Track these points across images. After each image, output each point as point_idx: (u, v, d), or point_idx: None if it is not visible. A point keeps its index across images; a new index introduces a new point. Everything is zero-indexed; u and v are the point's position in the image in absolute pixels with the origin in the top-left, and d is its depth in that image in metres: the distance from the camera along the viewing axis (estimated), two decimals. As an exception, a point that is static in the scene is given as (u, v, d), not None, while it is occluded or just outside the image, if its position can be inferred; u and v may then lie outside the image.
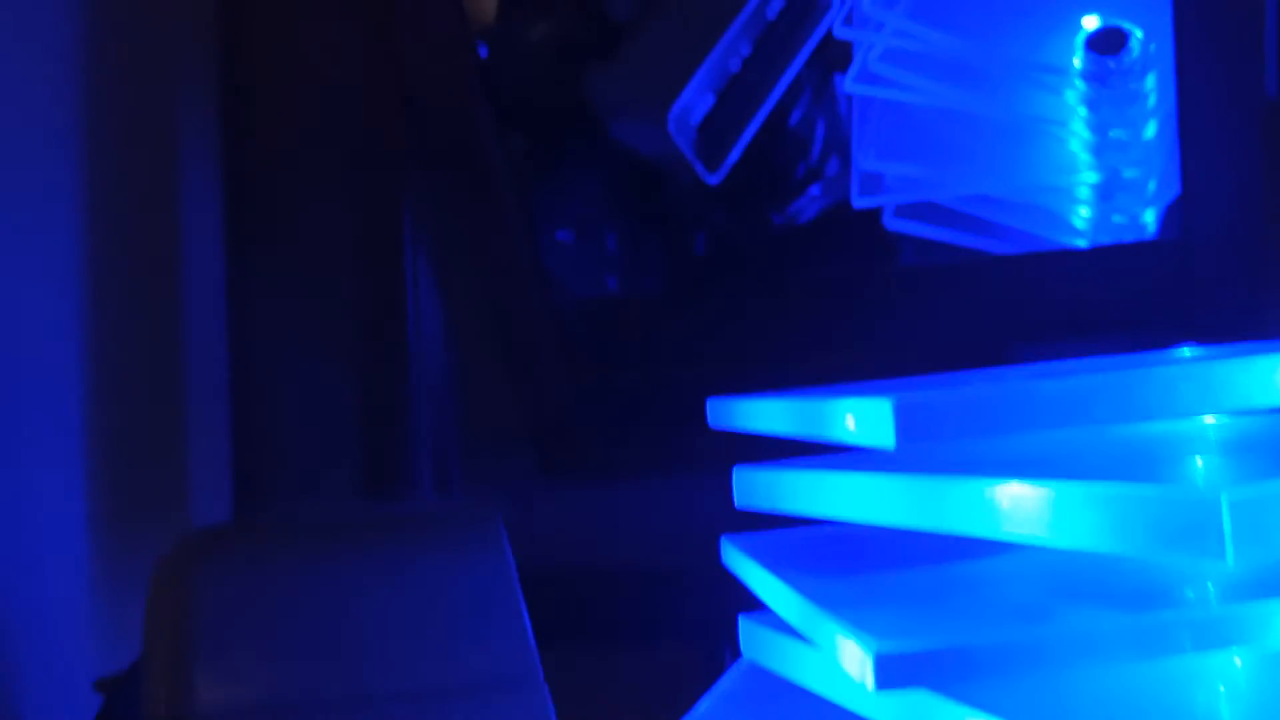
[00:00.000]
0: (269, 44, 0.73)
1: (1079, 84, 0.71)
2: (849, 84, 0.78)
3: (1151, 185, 0.75)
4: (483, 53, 0.87)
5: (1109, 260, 0.71)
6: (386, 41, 0.70)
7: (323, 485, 0.66)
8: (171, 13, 0.74)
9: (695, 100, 0.78)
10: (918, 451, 0.37)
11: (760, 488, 0.45)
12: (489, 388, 0.73)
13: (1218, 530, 0.26)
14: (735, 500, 0.48)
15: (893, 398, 0.32)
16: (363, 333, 0.68)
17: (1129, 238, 0.75)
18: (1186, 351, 0.49)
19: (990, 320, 0.75)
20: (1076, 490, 0.30)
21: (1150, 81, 0.70)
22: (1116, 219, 0.76)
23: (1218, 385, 0.32)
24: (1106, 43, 0.70)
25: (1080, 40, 0.71)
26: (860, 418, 0.33)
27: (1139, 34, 0.69)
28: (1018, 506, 0.31)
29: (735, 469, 0.49)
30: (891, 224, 0.80)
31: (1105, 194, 0.75)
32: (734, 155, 0.80)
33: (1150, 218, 0.76)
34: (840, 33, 0.77)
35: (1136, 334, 0.72)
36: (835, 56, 0.83)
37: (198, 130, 0.73)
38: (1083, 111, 0.72)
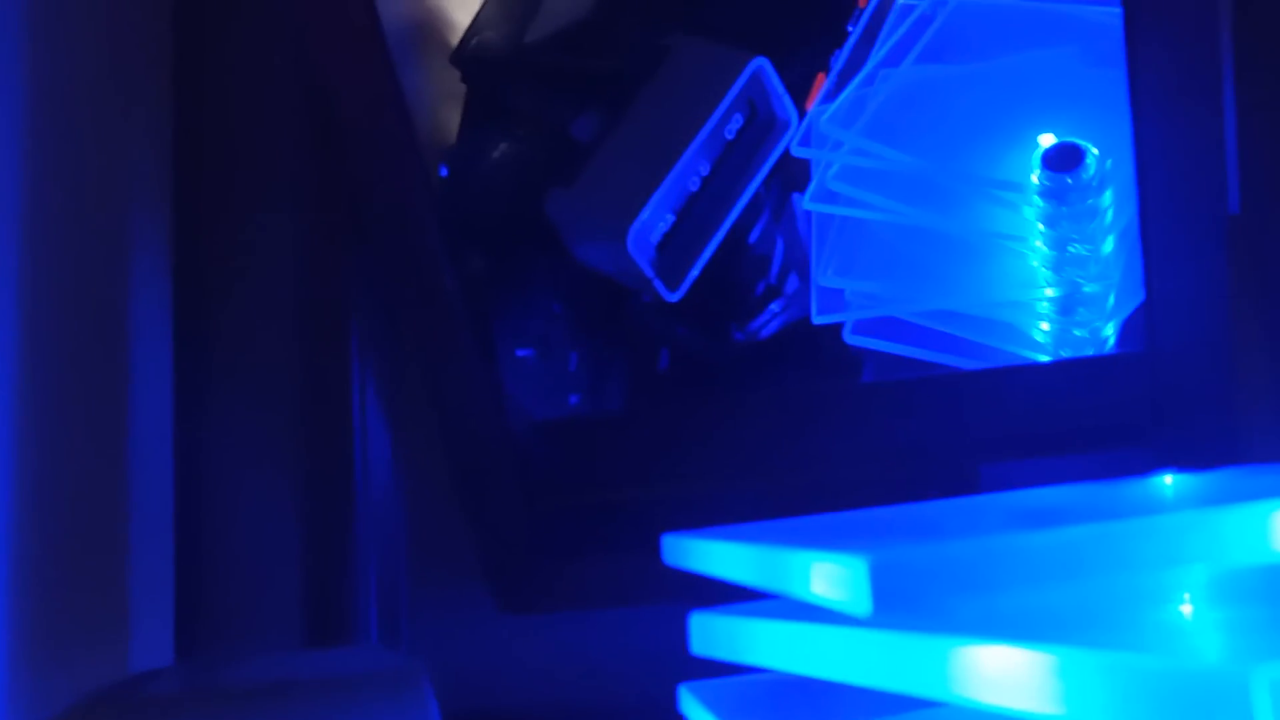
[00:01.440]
0: (223, 175, 0.70)
1: (1037, 200, 0.69)
2: (807, 202, 0.75)
3: (1111, 299, 0.72)
4: (443, 171, 0.84)
5: (1074, 374, 0.69)
6: (336, 163, 0.67)
7: (266, 622, 0.61)
8: (123, 129, 0.71)
9: (654, 219, 0.76)
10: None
11: (719, 636, 0.41)
12: (440, 519, 0.69)
13: (1245, 711, 0.23)
14: (692, 647, 0.44)
15: (867, 556, 0.28)
16: (308, 463, 0.64)
17: (1090, 351, 0.73)
18: (1167, 478, 0.46)
19: (955, 436, 0.72)
20: (1085, 659, 0.26)
21: (1107, 197, 0.68)
22: (1078, 333, 0.74)
23: (1225, 536, 0.29)
24: (1063, 159, 0.68)
25: (1037, 157, 0.69)
26: (831, 577, 0.30)
27: (1094, 151, 0.67)
28: (1015, 674, 0.27)
29: (692, 614, 0.45)
30: (851, 339, 0.77)
31: (1066, 308, 0.73)
32: (694, 273, 0.77)
33: (1110, 331, 0.73)
34: (798, 151, 0.75)
35: (1104, 448, 0.69)
36: (794, 174, 0.81)
37: (149, 258, 0.70)
38: (1041, 227, 0.70)
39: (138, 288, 0.68)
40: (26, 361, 0.60)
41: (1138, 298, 0.72)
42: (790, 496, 0.73)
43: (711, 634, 0.41)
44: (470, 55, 0.87)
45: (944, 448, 0.72)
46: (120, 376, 0.67)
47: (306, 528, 0.63)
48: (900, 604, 0.28)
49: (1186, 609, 0.32)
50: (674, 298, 0.77)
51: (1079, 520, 0.32)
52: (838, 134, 0.73)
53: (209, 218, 0.68)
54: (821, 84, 0.80)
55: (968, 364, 0.73)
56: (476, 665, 0.57)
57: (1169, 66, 0.55)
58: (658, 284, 0.76)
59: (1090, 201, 0.68)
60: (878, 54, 0.75)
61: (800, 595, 0.32)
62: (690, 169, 0.77)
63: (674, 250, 0.77)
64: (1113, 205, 0.69)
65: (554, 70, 0.85)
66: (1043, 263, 0.71)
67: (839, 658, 0.33)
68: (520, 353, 0.82)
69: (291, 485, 0.62)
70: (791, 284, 0.82)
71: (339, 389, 0.65)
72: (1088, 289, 0.71)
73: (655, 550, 0.70)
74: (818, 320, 0.75)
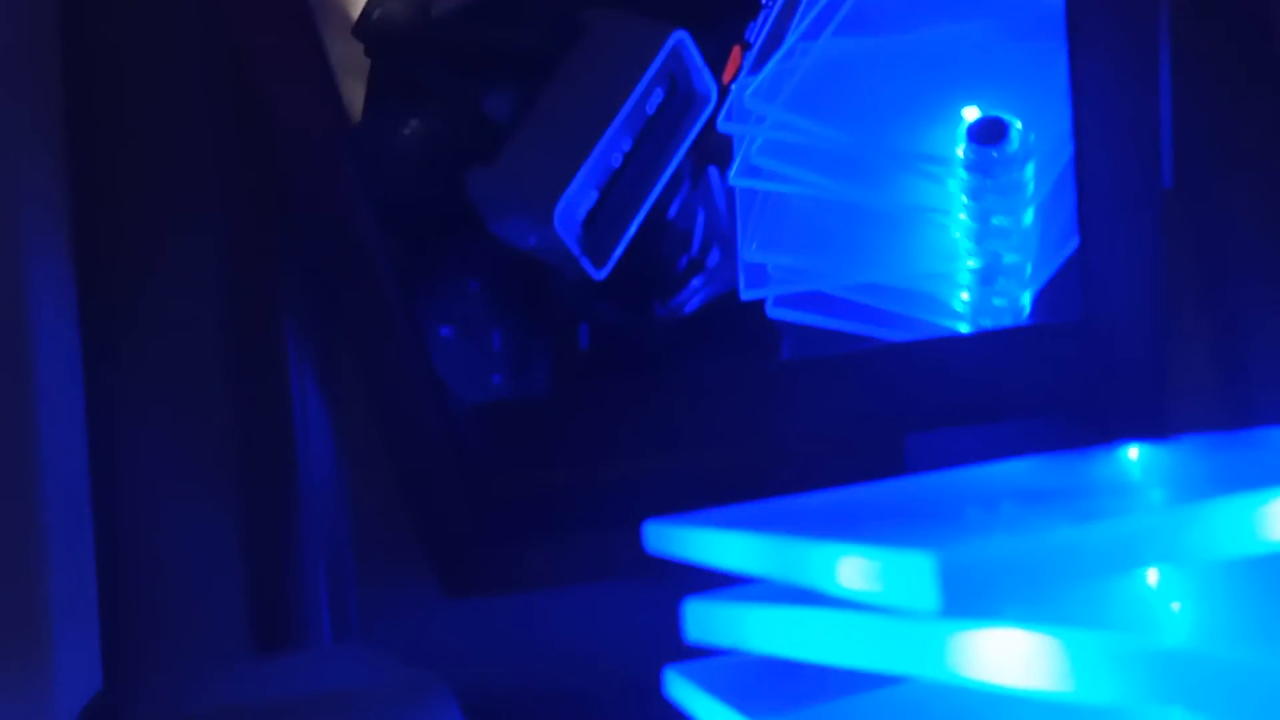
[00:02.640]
0: (128, 141, 0.65)
1: (962, 174, 0.69)
2: (732, 177, 0.74)
3: (1029, 269, 0.73)
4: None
5: (1002, 344, 0.69)
6: (257, 136, 0.64)
7: (207, 627, 0.58)
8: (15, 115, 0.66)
9: (579, 197, 0.74)
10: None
11: (720, 624, 0.40)
12: (382, 510, 0.66)
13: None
14: (687, 634, 0.43)
15: (934, 553, 0.27)
16: (245, 460, 0.61)
17: (1009, 320, 0.73)
18: (1132, 450, 0.46)
19: (882, 408, 0.72)
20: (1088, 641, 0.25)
21: (1030, 170, 0.68)
22: (997, 302, 0.74)
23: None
24: (988, 133, 0.68)
25: (962, 131, 0.68)
26: (888, 574, 0.29)
27: (1018, 124, 0.67)
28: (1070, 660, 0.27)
29: (687, 601, 0.43)
30: (773, 313, 0.77)
31: (986, 278, 0.73)
32: (619, 250, 0.75)
33: (1027, 299, 0.74)
34: (723, 127, 0.73)
35: (1031, 416, 0.70)
36: (713, 147, 0.80)
37: (47, 232, 0.65)
38: (965, 200, 0.70)
39: (37, 285, 0.64)
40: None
41: (1052, 267, 0.73)
42: (725, 472, 0.72)
43: (711, 621, 0.40)
44: (374, 28, 0.83)
45: (872, 420, 0.72)
46: (26, 380, 0.62)
47: (246, 525, 0.60)
48: (966, 601, 0.27)
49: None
50: (601, 275, 0.75)
51: (1099, 503, 0.32)
52: (761, 108, 0.72)
53: (111, 209, 0.64)
54: (737, 57, 0.79)
55: (891, 336, 0.73)
56: (430, 653, 0.54)
57: (1107, 41, 0.55)
58: (584, 262, 0.75)
59: (1014, 174, 0.68)
60: (797, 28, 0.74)
61: (829, 589, 0.31)
62: (613, 145, 0.75)
63: (599, 227, 0.76)
64: (1034, 178, 0.69)
65: (464, 45, 0.82)
66: (965, 234, 0.71)
67: (868, 647, 0.33)
68: (443, 332, 0.80)
69: (226, 484, 0.59)
70: (713, 258, 0.81)
71: (273, 377, 0.61)
72: (1008, 259, 0.72)
73: (596, 529, 0.69)
74: (745, 296, 0.74)
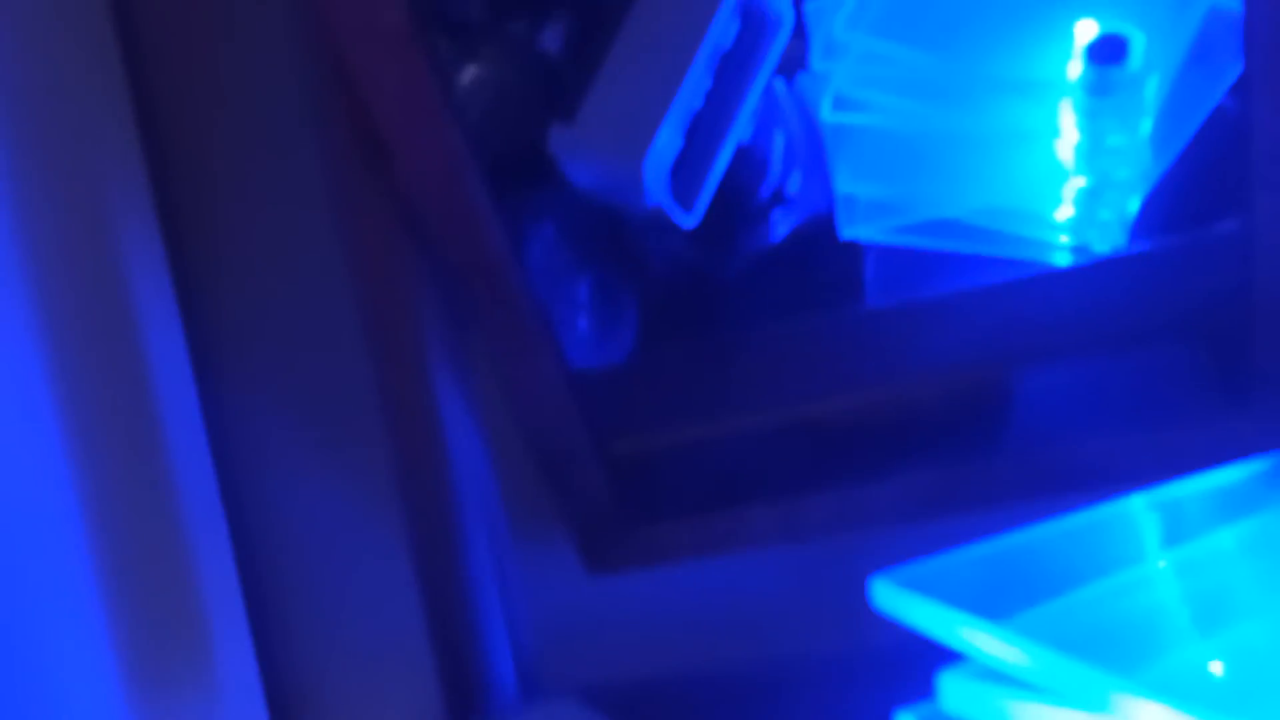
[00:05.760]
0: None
1: (1076, 95, 0.63)
2: (824, 112, 0.68)
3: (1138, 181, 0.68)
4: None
5: (1124, 270, 0.64)
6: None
7: (380, 629, 0.54)
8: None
9: (666, 145, 0.68)
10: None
11: (986, 704, 0.36)
12: (527, 494, 0.62)
13: None
14: (945, 704, 0.40)
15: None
16: (400, 459, 0.56)
17: (1117, 233, 0.69)
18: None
19: (984, 350, 0.68)
20: None
21: (1152, 84, 0.62)
22: (1104, 215, 0.69)
23: None
24: (1106, 52, 0.61)
25: (1077, 49, 0.62)
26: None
27: (1141, 38, 0.61)
28: None
29: (943, 676, 0.40)
30: (861, 235, 0.71)
31: (1095, 195, 0.68)
32: (708, 194, 0.70)
33: (1134, 208, 0.69)
34: (818, 65, 0.67)
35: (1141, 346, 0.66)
36: (789, 70, 0.73)
37: (146, 259, 0.59)
38: (1079, 120, 0.64)
39: (139, 291, 0.57)
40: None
41: (1160, 172, 0.68)
42: (850, 425, 0.68)
43: (969, 699, 0.36)
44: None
45: (975, 361, 0.68)
46: (145, 388, 0.57)
47: (407, 520, 0.55)
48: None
49: None
50: (692, 224, 0.69)
51: None
52: (852, 37, 0.66)
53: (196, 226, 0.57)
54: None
55: (988, 253, 0.69)
56: (577, 632, 0.51)
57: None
58: (675, 211, 0.69)
59: (1134, 94, 0.62)
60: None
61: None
62: (695, 86, 0.68)
63: (686, 173, 0.70)
64: (1155, 92, 0.63)
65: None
66: (1075, 154, 0.66)
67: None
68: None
69: (382, 486, 0.54)
70: (795, 184, 0.75)
71: (416, 376, 0.56)
72: (1119, 176, 0.67)
73: (734, 501, 0.65)
74: (844, 234, 0.69)
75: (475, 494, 0.59)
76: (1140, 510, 0.44)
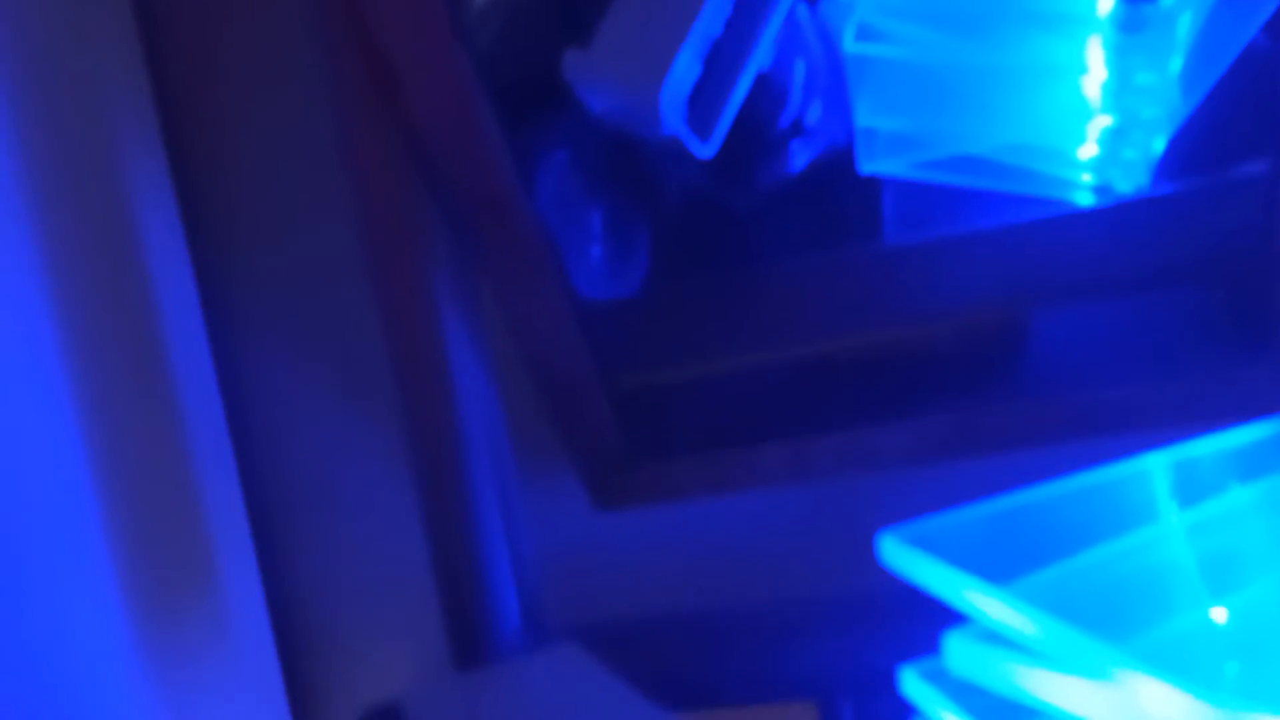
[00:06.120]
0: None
1: (1107, 31, 0.61)
2: (847, 43, 0.66)
3: (1161, 128, 0.66)
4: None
5: (1132, 215, 0.63)
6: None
7: (384, 561, 0.54)
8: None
9: (684, 73, 0.66)
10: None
11: (991, 667, 0.36)
12: (531, 428, 0.61)
13: None
14: (950, 665, 0.39)
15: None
16: (405, 393, 0.55)
17: (1141, 171, 0.67)
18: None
19: (1001, 289, 0.66)
20: None
21: (1183, 23, 0.60)
22: (1128, 154, 0.67)
23: None
24: (1138, -12, 0.59)
25: (1110, -14, 0.60)
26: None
27: (1174, -25, 0.59)
28: None
29: (948, 637, 0.39)
30: (881, 169, 0.70)
31: (1120, 134, 0.66)
32: (726, 124, 0.68)
33: (1160, 147, 0.67)
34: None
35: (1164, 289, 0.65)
36: (810, -3, 0.71)
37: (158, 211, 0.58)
38: (1108, 57, 0.62)
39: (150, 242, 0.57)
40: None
41: (1187, 111, 0.66)
42: (863, 364, 0.67)
43: (980, 662, 0.36)
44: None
45: (995, 300, 0.66)
46: (152, 324, 0.56)
47: (412, 452, 0.55)
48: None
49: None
50: (709, 154, 0.68)
51: None
52: (877, -35, 0.63)
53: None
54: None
55: (1007, 190, 0.67)
56: (585, 568, 0.51)
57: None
58: (693, 140, 0.67)
59: (1167, 31, 0.60)
60: None
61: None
62: (714, 12, 0.66)
63: (703, 102, 0.68)
64: (1187, 27, 0.61)
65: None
66: (1102, 91, 0.64)
67: None
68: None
69: (387, 414, 0.54)
70: (815, 114, 0.73)
71: (423, 309, 0.55)
72: (1146, 114, 0.65)
73: (742, 439, 0.64)
74: (864, 169, 0.67)
75: (482, 429, 0.58)
76: (1154, 470, 0.43)
